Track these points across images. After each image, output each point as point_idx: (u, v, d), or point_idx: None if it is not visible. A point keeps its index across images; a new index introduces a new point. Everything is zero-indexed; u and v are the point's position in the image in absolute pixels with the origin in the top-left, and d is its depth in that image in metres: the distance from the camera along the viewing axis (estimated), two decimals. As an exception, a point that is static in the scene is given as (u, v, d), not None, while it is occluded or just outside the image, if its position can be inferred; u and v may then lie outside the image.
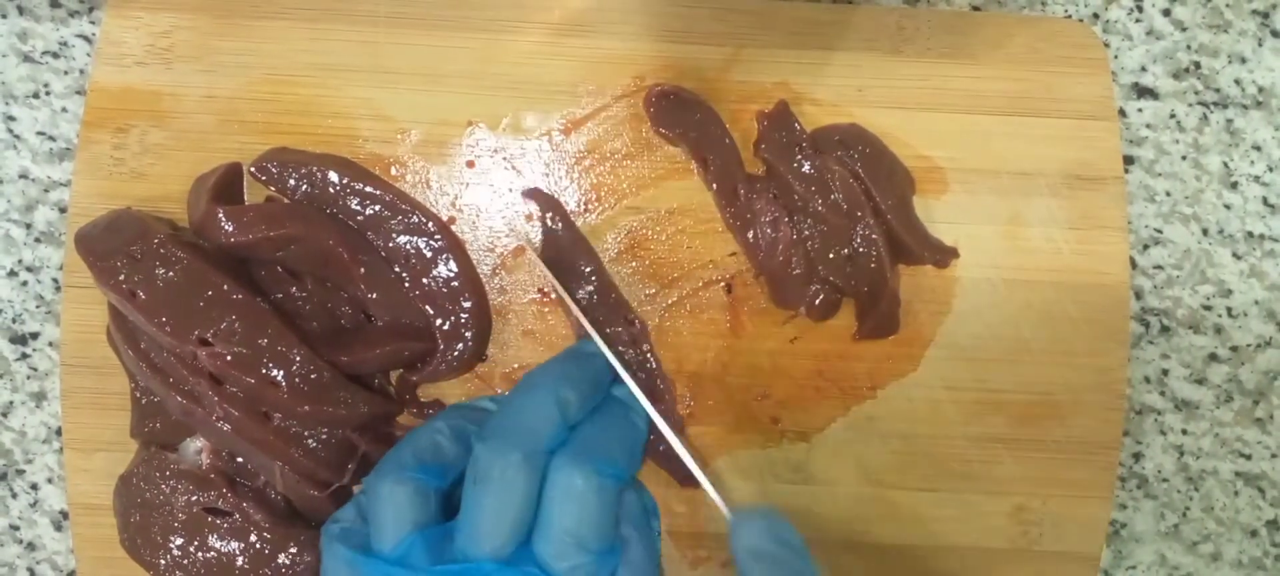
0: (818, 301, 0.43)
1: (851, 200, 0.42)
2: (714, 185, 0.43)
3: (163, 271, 0.38)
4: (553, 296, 0.43)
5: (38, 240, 0.45)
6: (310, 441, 0.39)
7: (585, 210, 0.44)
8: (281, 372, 0.38)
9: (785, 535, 0.35)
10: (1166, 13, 0.47)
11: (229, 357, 0.37)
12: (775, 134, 0.43)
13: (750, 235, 0.43)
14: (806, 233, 0.42)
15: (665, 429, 0.38)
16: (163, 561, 0.39)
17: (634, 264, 0.44)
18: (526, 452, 0.34)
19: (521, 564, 0.33)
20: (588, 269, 0.43)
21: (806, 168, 0.42)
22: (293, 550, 0.40)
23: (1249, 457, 0.47)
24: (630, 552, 0.35)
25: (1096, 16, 0.47)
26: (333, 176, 0.41)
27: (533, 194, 0.43)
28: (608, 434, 0.37)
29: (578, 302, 0.42)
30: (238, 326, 0.38)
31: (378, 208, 0.42)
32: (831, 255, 0.42)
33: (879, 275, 0.42)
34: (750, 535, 0.35)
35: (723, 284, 0.44)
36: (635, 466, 0.37)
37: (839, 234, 0.42)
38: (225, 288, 0.38)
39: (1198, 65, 0.47)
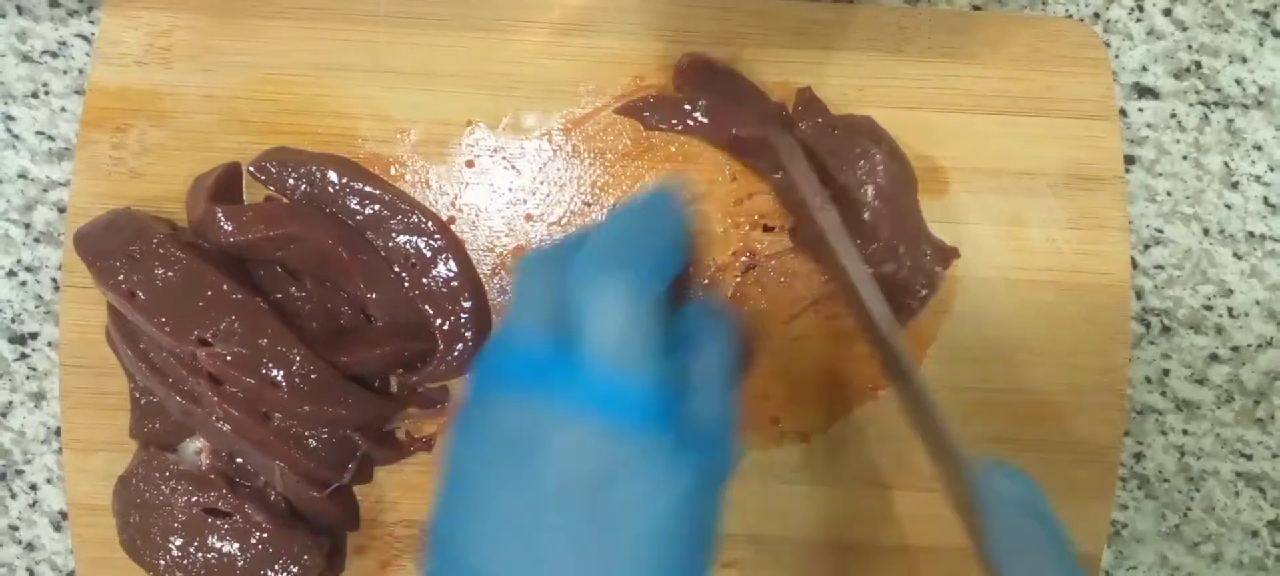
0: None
1: (891, 180, 0.42)
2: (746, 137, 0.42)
3: (162, 271, 0.38)
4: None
5: (37, 240, 0.45)
6: (310, 441, 0.39)
7: (585, 210, 0.44)
8: (281, 372, 0.38)
9: (1038, 493, 0.34)
10: (1167, 12, 0.47)
11: (229, 358, 0.37)
12: (808, 118, 0.42)
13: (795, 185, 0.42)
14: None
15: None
16: (162, 562, 0.39)
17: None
18: (543, 253, 0.31)
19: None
20: None
21: (841, 151, 0.42)
22: (293, 550, 0.39)
23: (1250, 458, 0.47)
24: (699, 362, 0.30)
25: (1097, 16, 0.47)
26: (332, 176, 0.41)
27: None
28: (633, 230, 0.31)
29: None
30: (237, 327, 0.38)
31: (377, 207, 0.41)
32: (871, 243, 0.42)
33: (927, 256, 0.43)
34: (1007, 486, 0.34)
35: (728, 279, 0.44)
36: (669, 266, 0.31)
37: (877, 218, 0.42)
38: (225, 287, 0.38)
39: (1198, 65, 0.47)
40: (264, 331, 0.38)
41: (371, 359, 0.40)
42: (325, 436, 0.40)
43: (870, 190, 0.42)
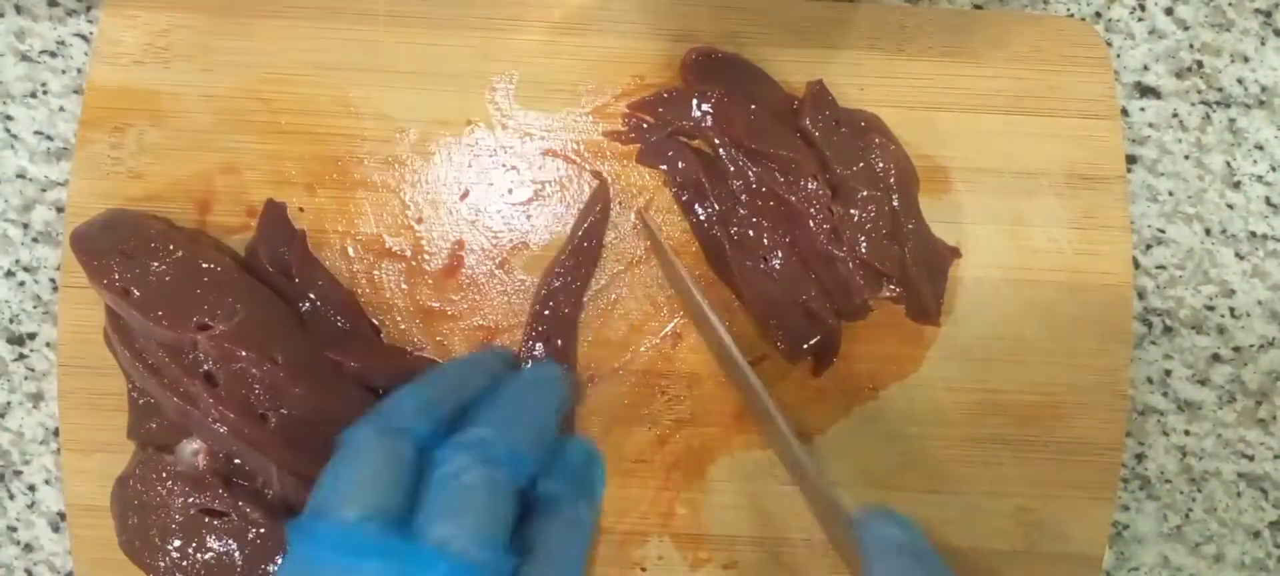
0: (809, 344, 0.43)
1: (899, 177, 0.42)
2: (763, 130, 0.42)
3: (157, 266, 0.38)
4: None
5: (35, 240, 0.45)
6: (306, 441, 0.39)
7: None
8: (280, 353, 0.38)
9: (915, 532, 0.34)
10: (1169, 12, 0.47)
11: (226, 329, 0.37)
12: (816, 112, 0.42)
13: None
14: (855, 215, 0.41)
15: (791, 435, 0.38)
16: (161, 563, 0.39)
17: (634, 263, 0.43)
18: (378, 428, 0.31)
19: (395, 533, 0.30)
20: None
21: (851, 144, 0.42)
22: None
23: (1252, 458, 0.47)
24: (538, 556, 0.31)
25: (1099, 15, 0.47)
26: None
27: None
28: (506, 415, 0.32)
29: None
30: (238, 307, 0.38)
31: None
32: (881, 239, 0.41)
33: (936, 253, 0.42)
34: (885, 530, 0.34)
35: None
36: (537, 452, 0.32)
37: (883, 215, 0.41)
38: (221, 270, 0.39)
39: (1200, 64, 0.47)
40: (265, 309, 0.38)
41: (376, 367, 0.41)
42: (321, 434, 0.39)
43: (877, 186, 0.42)
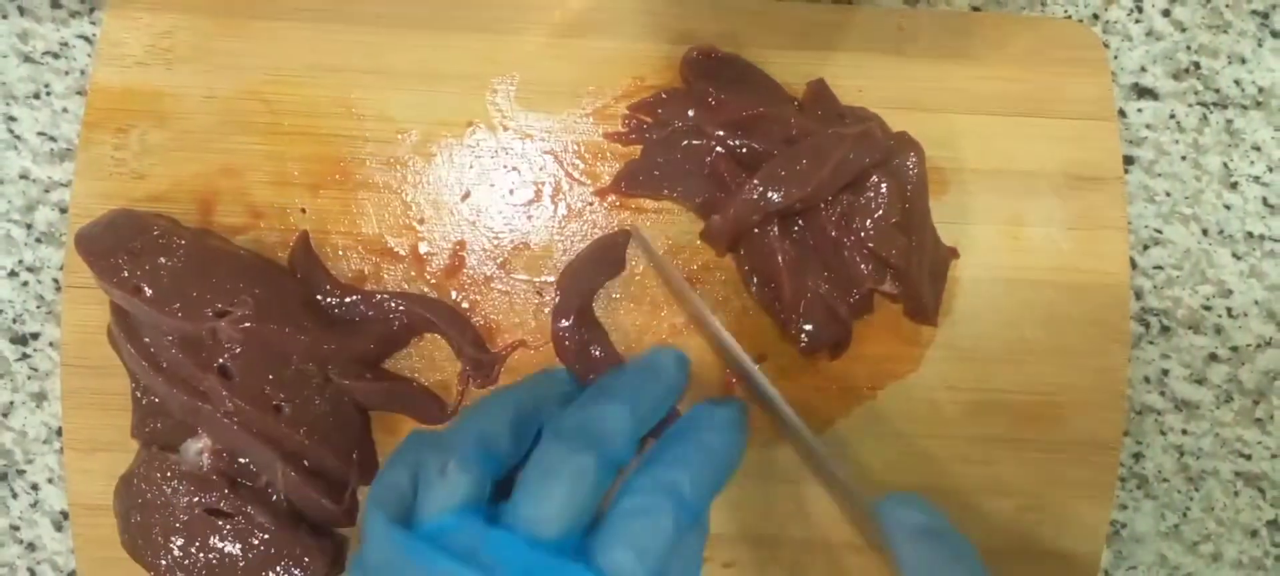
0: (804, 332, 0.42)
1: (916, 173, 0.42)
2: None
3: (166, 261, 0.38)
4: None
5: (39, 240, 0.45)
6: (318, 432, 0.39)
7: (587, 209, 0.44)
8: (305, 337, 0.39)
9: (937, 515, 0.36)
10: (1166, 13, 0.47)
11: (247, 311, 0.38)
12: (817, 108, 0.42)
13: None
14: (865, 201, 0.41)
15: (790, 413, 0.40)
16: (164, 562, 0.39)
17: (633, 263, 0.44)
18: (600, 457, 0.33)
19: (571, 556, 0.32)
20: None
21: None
22: (295, 551, 0.39)
23: (1249, 458, 0.47)
24: None
25: (1096, 17, 0.47)
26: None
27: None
28: (694, 464, 0.35)
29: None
30: (255, 289, 0.38)
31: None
32: (890, 227, 0.41)
33: (937, 253, 0.42)
34: (907, 514, 0.35)
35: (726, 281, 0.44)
36: (712, 494, 0.35)
37: (893, 204, 0.41)
38: (230, 257, 0.39)
39: (1197, 65, 0.47)
40: (281, 288, 0.39)
41: (390, 348, 0.42)
42: (333, 422, 0.40)
43: (887, 184, 0.41)
